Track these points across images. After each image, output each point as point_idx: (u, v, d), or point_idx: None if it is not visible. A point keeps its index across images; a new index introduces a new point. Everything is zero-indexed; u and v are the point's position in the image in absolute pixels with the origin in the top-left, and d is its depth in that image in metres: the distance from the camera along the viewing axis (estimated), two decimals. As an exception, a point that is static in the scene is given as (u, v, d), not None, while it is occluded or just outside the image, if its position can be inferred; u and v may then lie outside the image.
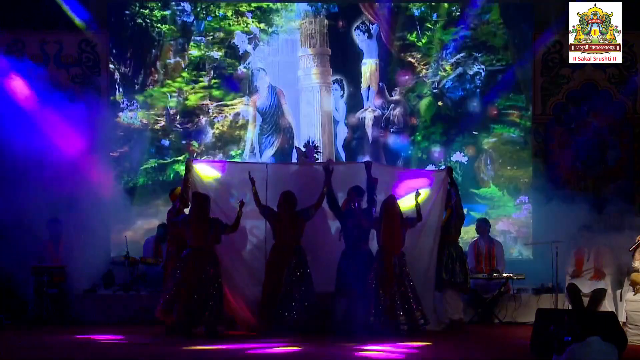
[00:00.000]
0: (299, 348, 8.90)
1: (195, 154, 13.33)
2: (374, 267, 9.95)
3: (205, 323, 9.72)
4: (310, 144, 11.59)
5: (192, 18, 13.89)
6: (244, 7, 13.84)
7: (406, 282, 9.94)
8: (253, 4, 13.85)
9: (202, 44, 13.83)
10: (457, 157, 13.64)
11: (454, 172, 11.05)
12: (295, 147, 12.28)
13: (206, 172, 10.60)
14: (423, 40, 13.89)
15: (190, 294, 9.64)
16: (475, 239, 12.17)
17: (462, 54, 13.86)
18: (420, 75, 13.88)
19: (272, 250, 10.17)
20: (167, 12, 13.82)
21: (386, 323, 9.71)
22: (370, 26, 13.83)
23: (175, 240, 10.17)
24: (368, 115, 13.89)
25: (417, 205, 10.19)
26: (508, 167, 13.76)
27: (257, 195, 10.13)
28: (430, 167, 13.29)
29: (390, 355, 8.39)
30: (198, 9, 13.89)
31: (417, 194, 10.23)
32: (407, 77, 13.85)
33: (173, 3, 13.81)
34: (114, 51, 13.60)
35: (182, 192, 10.27)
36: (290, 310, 9.88)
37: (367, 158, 12.68)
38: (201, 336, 9.61)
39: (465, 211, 11.38)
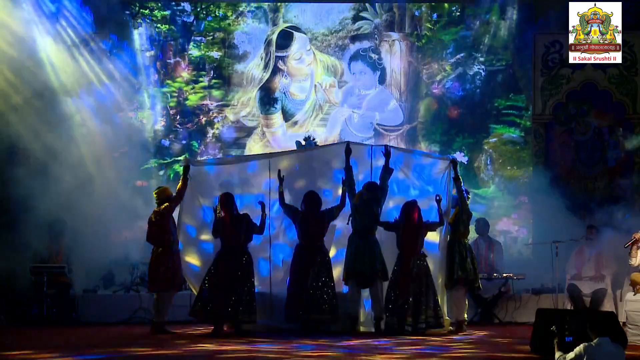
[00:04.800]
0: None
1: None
2: (395, 269, 10.04)
3: (235, 320, 9.80)
4: (311, 139, 11.65)
5: (192, 18, 13.90)
6: (243, 7, 13.86)
7: (425, 284, 9.99)
8: (253, 4, 13.86)
9: (202, 44, 13.84)
10: (457, 157, 13.61)
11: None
12: (297, 141, 12.34)
13: (202, 171, 10.61)
14: (423, 40, 13.90)
15: (221, 292, 9.72)
16: (475, 239, 12.16)
17: (462, 54, 13.87)
18: (420, 75, 13.89)
19: (297, 250, 10.23)
20: (167, 12, 13.83)
21: (397, 323, 9.84)
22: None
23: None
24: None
25: (439, 209, 10.21)
26: (508, 167, 13.76)
27: (282, 195, 10.21)
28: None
29: (391, 354, 8.38)
30: (198, 9, 13.90)
31: (439, 198, 10.23)
32: (407, 77, 13.87)
33: (173, 3, 13.82)
34: (114, 51, 13.59)
35: (179, 191, 10.24)
36: (318, 311, 9.99)
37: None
38: (228, 334, 9.68)
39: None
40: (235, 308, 9.77)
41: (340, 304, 10.16)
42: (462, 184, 10.62)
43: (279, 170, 10.29)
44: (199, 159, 12.94)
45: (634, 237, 10.28)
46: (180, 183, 10.32)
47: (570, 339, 6.97)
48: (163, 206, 10.20)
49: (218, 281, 9.84)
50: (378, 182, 10.25)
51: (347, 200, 10.28)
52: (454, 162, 10.71)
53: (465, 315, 10.47)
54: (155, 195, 10.39)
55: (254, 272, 10.05)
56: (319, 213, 10.20)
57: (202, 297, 9.90)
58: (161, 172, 13.60)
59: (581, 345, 6.62)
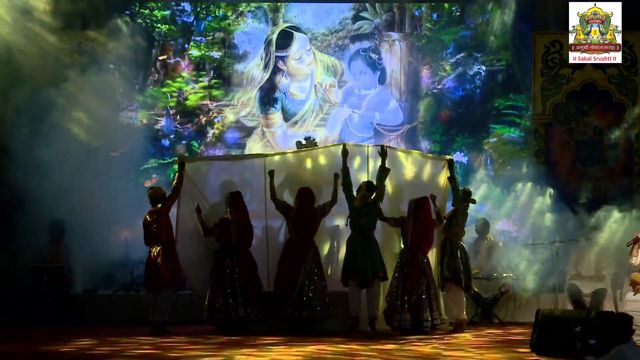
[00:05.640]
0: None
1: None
2: (399, 265, 10.04)
3: (247, 320, 9.85)
4: (311, 139, 11.68)
5: (192, 18, 13.90)
6: (243, 7, 13.87)
7: (429, 281, 10.04)
8: (253, 4, 13.87)
9: (202, 44, 13.84)
10: (457, 157, 13.64)
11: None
12: (297, 141, 12.36)
13: (200, 171, 10.61)
14: (423, 41, 13.91)
15: (233, 293, 9.79)
16: (475, 239, 12.16)
17: (462, 54, 13.87)
18: (420, 75, 13.90)
19: (287, 245, 10.22)
20: (167, 12, 13.83)
21: (411, 320, 9.87)
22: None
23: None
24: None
25: (436, 207, 10.24)
26: (508, 167, 13.75)
27: (273, 190, 10.19)
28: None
29: (391, 354, 8.39)
30: (198, 9, 13.91)
31: (433, 197, 10.24)
32: (407, 77, 13.87)
33: (173, 3, 13.83)
34: (114, 51, 13.58)
35: (174, 189, 10.23)
36: (310, 307, 9.97)
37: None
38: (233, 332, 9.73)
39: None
40: (247, 308, 9.80)
41: (340, 304, 10.14)
42: (457, 184, 10.64)
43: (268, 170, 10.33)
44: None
45: (637, 236, 10.30)
46: (175, 180, 10.31)
47: (594, 341, 6.94)
48: (159, 205, 10.17)
49: (229, 283, 9.83)
50: (375, 182, 10.27)
51: (343, 197, 10.30)
52: (450, 162, 10.74)
53: (465, 315, 10.49)
54: (148, 196, 10.36)
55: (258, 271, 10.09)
56: (312, 209, 10.19)
57: (215, 301, 9.90)
58: (155, 176, 13.56)
59: (623, 346, 6.64)
